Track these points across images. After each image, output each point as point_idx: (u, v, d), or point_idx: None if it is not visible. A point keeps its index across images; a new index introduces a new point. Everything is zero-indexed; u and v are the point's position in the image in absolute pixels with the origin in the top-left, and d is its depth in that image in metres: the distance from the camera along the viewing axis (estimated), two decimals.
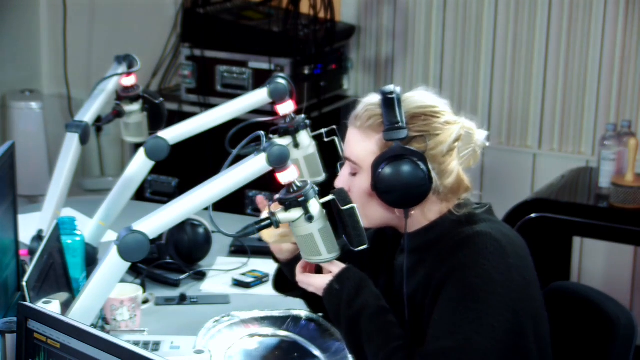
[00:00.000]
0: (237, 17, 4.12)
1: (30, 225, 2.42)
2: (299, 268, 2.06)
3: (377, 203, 1.95)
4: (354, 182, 2.00)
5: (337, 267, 1.99)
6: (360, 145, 1.98)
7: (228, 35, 4.06)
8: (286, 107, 2.48)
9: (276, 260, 2.20)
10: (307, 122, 2.49)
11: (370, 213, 1.99)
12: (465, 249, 1.90)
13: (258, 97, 2.51)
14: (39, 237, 2.36)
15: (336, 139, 2.42)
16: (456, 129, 1.97)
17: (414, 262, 1.99)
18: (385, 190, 1.91)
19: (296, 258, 2.13)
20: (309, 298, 2.24)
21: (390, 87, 1.97)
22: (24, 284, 1.88)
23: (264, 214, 1.96)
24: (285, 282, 2.23)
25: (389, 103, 1.94)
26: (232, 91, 3.99)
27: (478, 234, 1.91)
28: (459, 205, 1.99)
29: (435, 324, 1.88)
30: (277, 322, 2.26)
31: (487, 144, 2.04)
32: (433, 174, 1.93)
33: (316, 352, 2.18)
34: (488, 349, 1.85)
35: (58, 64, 4.92)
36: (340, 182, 2.03)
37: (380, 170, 1.91)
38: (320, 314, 2.25)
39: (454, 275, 1.88)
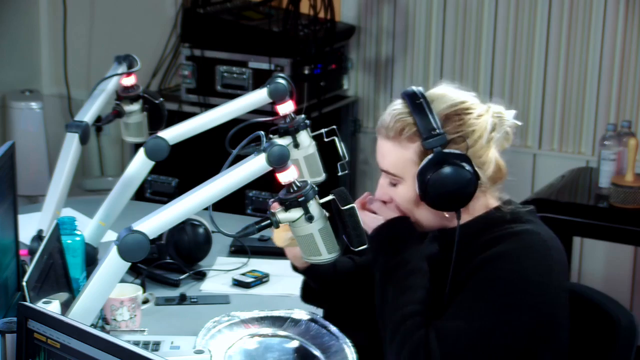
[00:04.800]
0: (237, 17, 4.13)
1: (30, 225, 2.42)
2: (358, 203, 2.02)
3: (425, 209, 1.94)
4: (396, 192, 1.99)
5: (390, 214, 1.99)
6: (397, 156, 1.96)
7: (228, 35, 4.06)
8: (286, 107, 2.48)
9: (295, 269, 2.18)
10: (307, 122, 2.49)
11: (420, 219, 1.98)
12: (511, 242, 1.89)
13: (258, 97, 2.51)
14: (39, 237, 2.35)
15: (336, 139, 2.42)
16: (489, 119, 1.95)
17: (447, 254, 1.97)
18: (434, 197, 1.90)
19: (314, 265, 2.12)
20: (332, 309, 2.24)
21: (413, 90, 1.95)
22: (24, 284, 1.88)
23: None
24: (312, 292, 2.22)
25: (420, 109, 1.92)
26: (232, 91, 4.00)
27: (527, 231, 1.91)
28: (506, 202, 1.98)
29: (459, 302, 1.88)
30: (277, 322, 2.26)
31: (520, 123, 2.01)
32: (477, 170, 1.91)
33: (316, 352, 2.18)
34: (499, 345, 1.85)
35: (58, 64, 4.92)
36: (380, 193, 2.01)
37: (427, 179, 1.89)
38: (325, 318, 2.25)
39: (493, 263, 1.87)
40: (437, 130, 1.90)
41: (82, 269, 2.34)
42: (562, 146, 4.08)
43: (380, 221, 1.99)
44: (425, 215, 1.97)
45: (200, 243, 2.67)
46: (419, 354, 1.85)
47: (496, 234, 1.92)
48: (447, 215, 1.96)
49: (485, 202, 1.98)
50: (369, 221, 2.01)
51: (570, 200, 3.46)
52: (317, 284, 2.18)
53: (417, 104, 1.93)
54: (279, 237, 2.04)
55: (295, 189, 1.89)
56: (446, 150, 1.90)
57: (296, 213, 1.89)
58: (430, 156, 1.90)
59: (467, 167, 1.89)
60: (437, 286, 1.95)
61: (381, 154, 2.00)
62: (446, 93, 1.98)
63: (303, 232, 1.91)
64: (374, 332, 2.10)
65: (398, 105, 1.98)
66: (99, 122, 2.65)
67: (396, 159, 1.96)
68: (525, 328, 1.86)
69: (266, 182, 2.01)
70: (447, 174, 1.88)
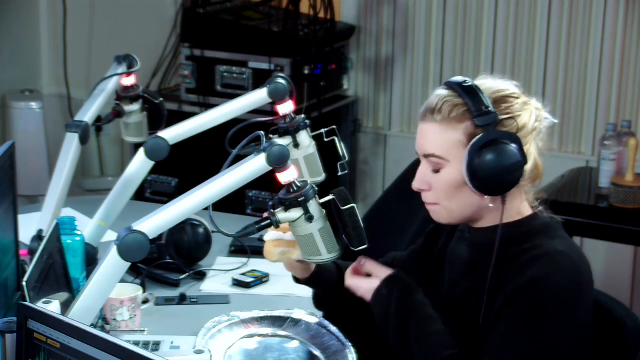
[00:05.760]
0: (237, 17, 4.13)
1: (30, 225, 2.42)
2: (349, 272, 2.05)
3: (467, 195, 1.90)
4: (438, 178, 1.93)
5: (386, 273, 1.99)
6: (444, 137, 1.91)
7: (228, 35, 4.06)
8: (286, 107, 2.48)
9: (297, 280, 2.16)
10: (307, 122, 2.49)
11: (457, 206, 1.94)
12: (544, 265, 1.86)
13: (258, 97, 2.51)
14: (39, 237, 2.35)
15: (336, 139, 2.42)
16: (533, 110, 1.94)
17: (475, 257, 1.96)
18: (484, 176, 1.85)
19: (315, 275, 2.11)
20: (340, 316, 2.24)
21: (460, 78, 1.95)
22: (24, 284, 1.88)
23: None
24: (322, 299, 2.21)
25: (471, 90, 1.91)
26: (232, 91, 4.00)
27: (559, 252, 1.88)
28: (538, 212, 1.96)
29: (499, 335, 1.86)
30: (277, 322, 2.27)
31: (556, 121, 2.00)
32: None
33: (316, 352, 2.17)
34: None
35: (58, 64, 4.92)
36: (420, 182, 1.96)
37: (479, 157, 1.85)
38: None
39: (528, 290, 1.85)
40: (489, 108, 1.88)
41: (82, 269, 2.34)
42: (562, 146, 4.08)
43: (376, 283, 1.99)
44: (464, 203, 1.92)
45: (200, 243, 2.67)
46: None
47: (528, 255, 1.89)
48: (490, 205, 1.92)
49: (519, 206, 1.96)
50: (366, 285, 2.00)
51: (570, 200, 3.46)
52: (322, 291, 2.18)
53: (467, 86, 1.92)
54: (270, 252, 2.03)
55: (295, 189, 1.89)
56: (497, 130, 1.88)
57: (296, 213, 1.89)
58: (481, 134, 1.87)
59: (518, 148, 1.86)
60: (466, 288, 1.95)
61: (425, 138, 1.94)
62: (491, 81, 1.99)
63: (303, 232, 1.91)
64: (375, 333, 2.10)
65: (444, 91, 1.96)
66: (99, 122, 2.65)
67: (443, 140, 1.91)
68: (568, 351, 1.86)
69: (266, 182, 2.02)
70: (498, 153, 1.85)
